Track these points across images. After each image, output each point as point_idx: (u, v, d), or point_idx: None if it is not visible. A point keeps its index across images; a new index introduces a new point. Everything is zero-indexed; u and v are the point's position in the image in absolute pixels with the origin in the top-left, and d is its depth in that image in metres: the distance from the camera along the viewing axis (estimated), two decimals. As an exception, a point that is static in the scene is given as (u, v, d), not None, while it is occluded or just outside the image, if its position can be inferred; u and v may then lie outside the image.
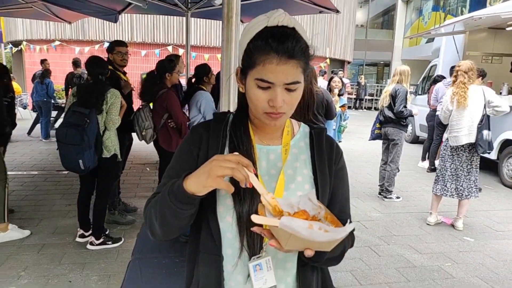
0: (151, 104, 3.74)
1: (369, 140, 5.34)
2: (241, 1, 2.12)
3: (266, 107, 0.88)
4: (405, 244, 3.72)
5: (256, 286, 0.89)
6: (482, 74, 4.68)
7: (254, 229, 0.81)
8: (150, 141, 3.70)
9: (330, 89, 4.43)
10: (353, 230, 0.81)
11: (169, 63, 3.71)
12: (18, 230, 3.51)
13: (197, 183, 0.80)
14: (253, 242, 0.91)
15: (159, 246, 1.70)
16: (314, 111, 3.66)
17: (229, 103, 1.92)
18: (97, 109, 3.13)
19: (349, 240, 0.99)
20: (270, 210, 0.80)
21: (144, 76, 4.27)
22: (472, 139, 3.98)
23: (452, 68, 6.84)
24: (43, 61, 8.96)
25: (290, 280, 0.96)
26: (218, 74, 3.05)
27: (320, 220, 0.82)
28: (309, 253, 0.78)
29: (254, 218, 0.75)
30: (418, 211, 4.71)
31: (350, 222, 1.00)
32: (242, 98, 0.98)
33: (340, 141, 4.54)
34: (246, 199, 0.89)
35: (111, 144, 3.28)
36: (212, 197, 0.90)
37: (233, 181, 0.83)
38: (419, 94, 8.99)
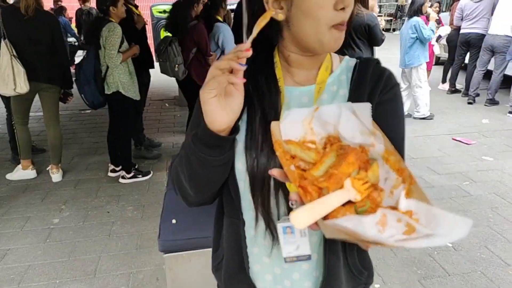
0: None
1: None
2: None
3: (333, 16, 0.69)
4: (424, 167, 3.79)
5: (285, 250, 0.75)
6: None
7: (273, 172, 0.61)
8: (182, 77, 3.59)
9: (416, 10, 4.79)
10: None
11: None
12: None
13: (205, 117, 0.67)
14: (268, 203, 0.75)
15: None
16: (352, 35, 3.44)
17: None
18: (95, 44, 3.15)
19: None
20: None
21: (167, 8, 4.14)
22: None
23: None
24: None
25: (315, 239, 0.79)
26: (240, 3, 2.89)
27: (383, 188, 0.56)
28: (366, 246, 0.62)
29: (292, 217, 0.52)
30: (436, 133, 4.72)
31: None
32: (272, 31, 0.76)
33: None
34: (262, 148, 0.74)
35: (113, 81, 3.18)
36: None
37: (248, 131, 0.75)
38: (443, 11, 8.42)
